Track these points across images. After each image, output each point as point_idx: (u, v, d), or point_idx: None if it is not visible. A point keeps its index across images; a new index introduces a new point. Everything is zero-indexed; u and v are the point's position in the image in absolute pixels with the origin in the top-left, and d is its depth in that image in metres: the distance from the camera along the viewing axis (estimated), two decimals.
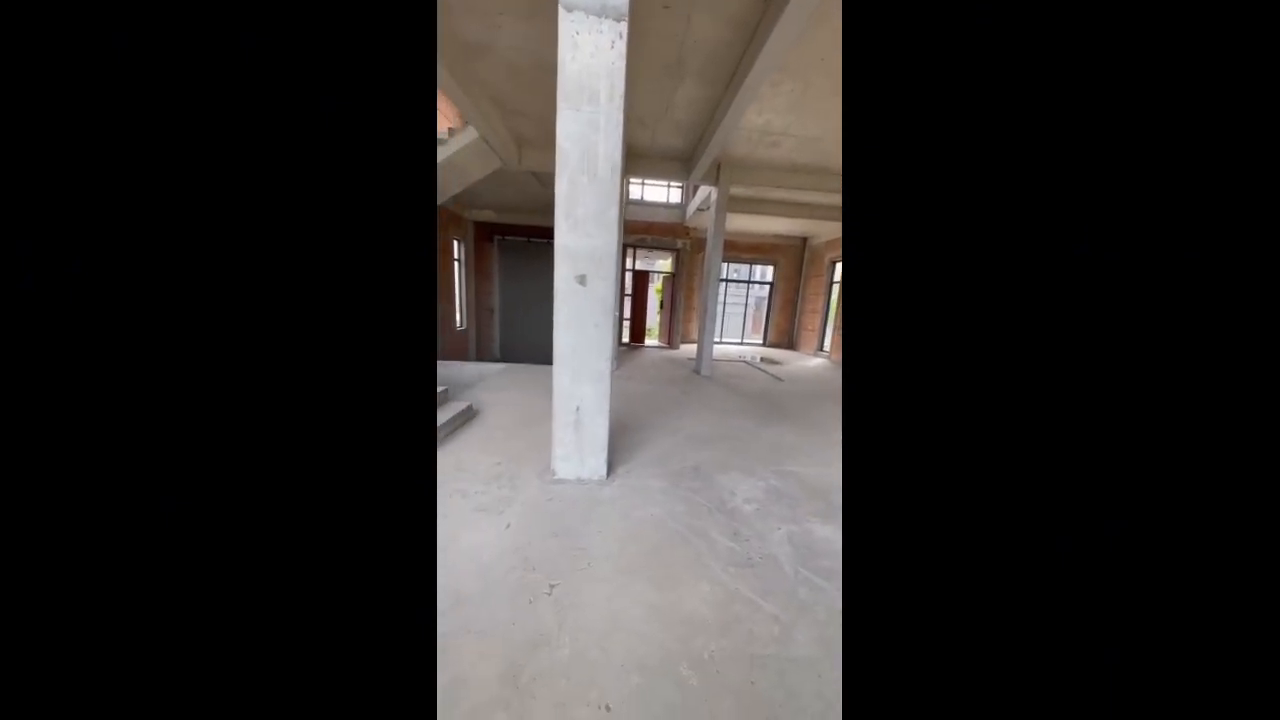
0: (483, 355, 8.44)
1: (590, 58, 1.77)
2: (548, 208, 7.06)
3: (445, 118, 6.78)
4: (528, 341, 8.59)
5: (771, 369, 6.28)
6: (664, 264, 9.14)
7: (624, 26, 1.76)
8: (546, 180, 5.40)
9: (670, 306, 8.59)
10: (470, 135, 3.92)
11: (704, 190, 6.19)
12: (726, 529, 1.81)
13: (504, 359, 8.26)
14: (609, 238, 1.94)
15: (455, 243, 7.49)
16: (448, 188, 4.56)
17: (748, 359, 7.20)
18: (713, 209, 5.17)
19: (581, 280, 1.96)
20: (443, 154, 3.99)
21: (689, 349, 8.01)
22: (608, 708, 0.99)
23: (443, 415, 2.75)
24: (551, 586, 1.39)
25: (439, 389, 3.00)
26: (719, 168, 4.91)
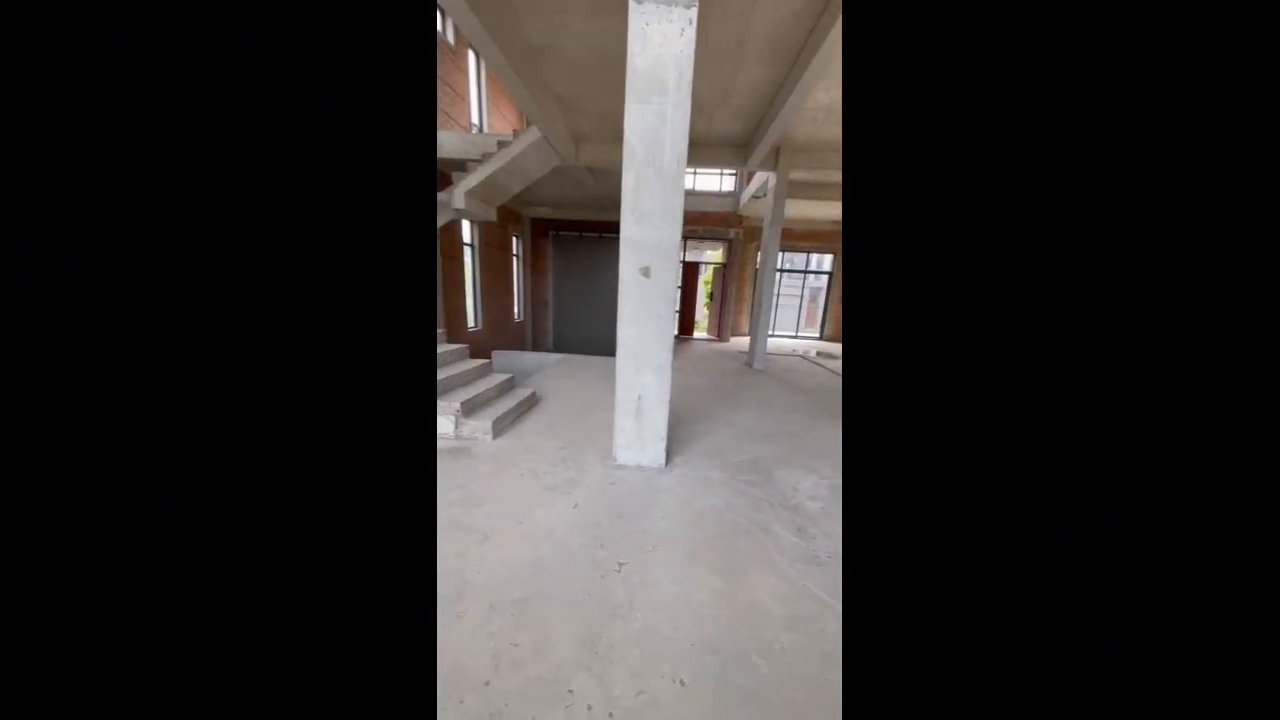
0: (538, 345, 8.87)
1: (659, 48, 1.77)
2: (601, 202, 7.19)
3: (508, 121, 7.12)
4: (579, 333, 8.89)
5: (829, 364, 5.95)
6: (713, 255, 8.95)
7: (694, 13, 1.74)
8: (600, 175, 5.49)
9: (720, 298, 8.41)
10: (533, 135, 4.09)
11: (760, 177, 5.94)
12: (790, 524, 1.77)
13: (557, 349, 8.63)
14: (673, 229, 1.95)
15: (514, 239, 7.90)
16: (510, 187, 4.82)
17: (801, 352, 6.88)
18: (770, 195, 4.96)
19: (645, 272, 2.00)
20: (507, 155, 4.22)
21: (739, 342, 7.82)
22: (682, 682, 1.03)
23: (511, 400, 2.96)
24: (620, 565, 1.46)
25: (505, 376, 3.22)
26: (778, 152, 4.68)
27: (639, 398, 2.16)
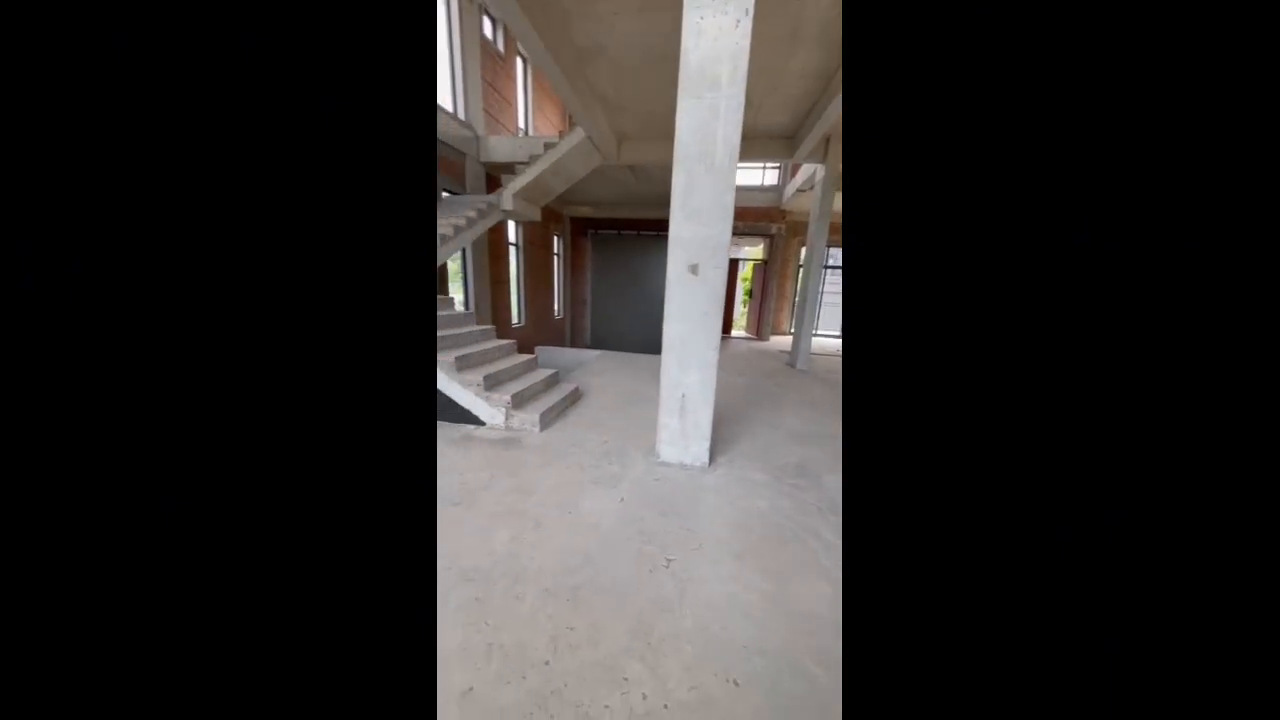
0: (576, 342, 9.09)
1: (714, 42, 1.74)
2: (639, 201, 7.21)
3: (551, 123, 7.31)
4: (616, 330, 9.00)
5: None
6: (751, 250, 8.70)
7: (750, 2, 1.70)
8: (641, 174, 5.51)
9: (760, 296, 8.18)
10: (577, 136, 4.18)
11: (806, 169, 5.70)
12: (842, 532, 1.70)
13: (594, 346, 8.79)
14: (723, 226, 1.92)
15: (555, 238, 8.12)
16: (555, 187, 4.96)
17: None
18: (817, 189, 4.74)
19: (694, 270, 1.99)
20: (553, 157, 4.34)
21: (779, 341, 7.57)
22: (735, 682, 1.03)
23: (556, 395, 3.06)
24: (668, 561, 1.47)
25: (550, 371, 3.33)
26: (828, 142, 4.47)
27: (683, 396, 2.15)
